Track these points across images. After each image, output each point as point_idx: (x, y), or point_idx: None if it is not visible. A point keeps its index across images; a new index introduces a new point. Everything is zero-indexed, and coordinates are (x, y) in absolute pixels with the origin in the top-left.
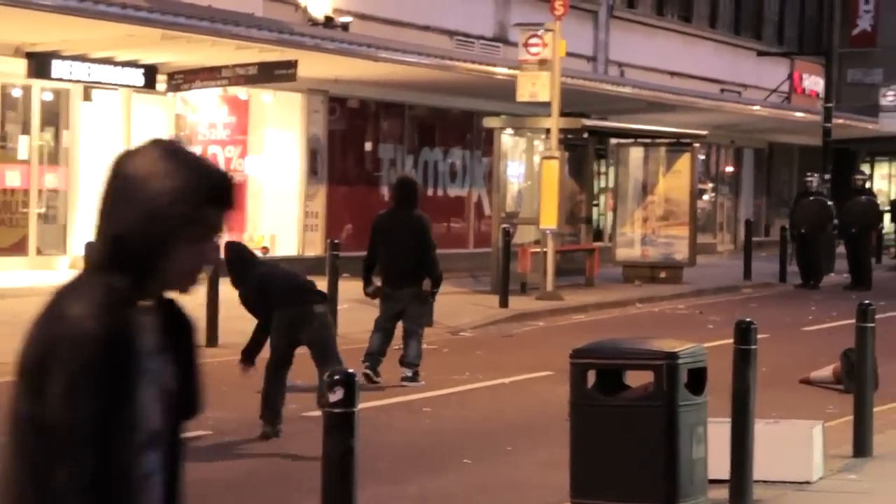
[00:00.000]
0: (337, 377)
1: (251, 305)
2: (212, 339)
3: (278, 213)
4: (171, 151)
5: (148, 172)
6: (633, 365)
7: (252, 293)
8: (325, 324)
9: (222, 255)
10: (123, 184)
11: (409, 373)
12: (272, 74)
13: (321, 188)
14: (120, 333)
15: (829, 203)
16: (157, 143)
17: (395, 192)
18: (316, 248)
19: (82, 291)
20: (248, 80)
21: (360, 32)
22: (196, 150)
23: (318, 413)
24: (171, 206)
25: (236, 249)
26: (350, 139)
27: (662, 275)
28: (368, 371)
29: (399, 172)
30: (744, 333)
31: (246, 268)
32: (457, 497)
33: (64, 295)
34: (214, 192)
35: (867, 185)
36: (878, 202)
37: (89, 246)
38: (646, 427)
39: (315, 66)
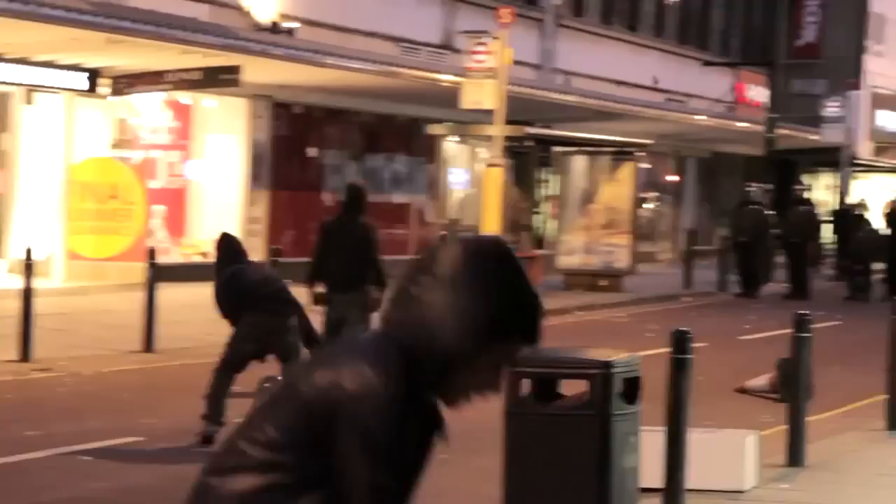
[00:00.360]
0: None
1: (218, 300)
2: (148, 345)
3: (220, 218)
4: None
5: (487, 288)
6: (568, 374)
7: (221, 288)
8: (296, 336)
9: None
10: (467, 282)
11: None
12: (216, 79)
13: (264, 194)
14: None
15: (769, 213)
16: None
17: (343, 199)
18: (258, 254)
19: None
20: (192, 85)
21: (306, 38)
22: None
23: None
24: (490, 333)
25: (227, 241)
26: (294, 145)
27: (603, 283)
28: None
29: (343, 179)
30: (680, 342)
31: (228, 262)
32: None
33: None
34: (529, 328)
35: (807, 195)
36: (818, 213)
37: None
38: (579, 436)
39: (260, 71)
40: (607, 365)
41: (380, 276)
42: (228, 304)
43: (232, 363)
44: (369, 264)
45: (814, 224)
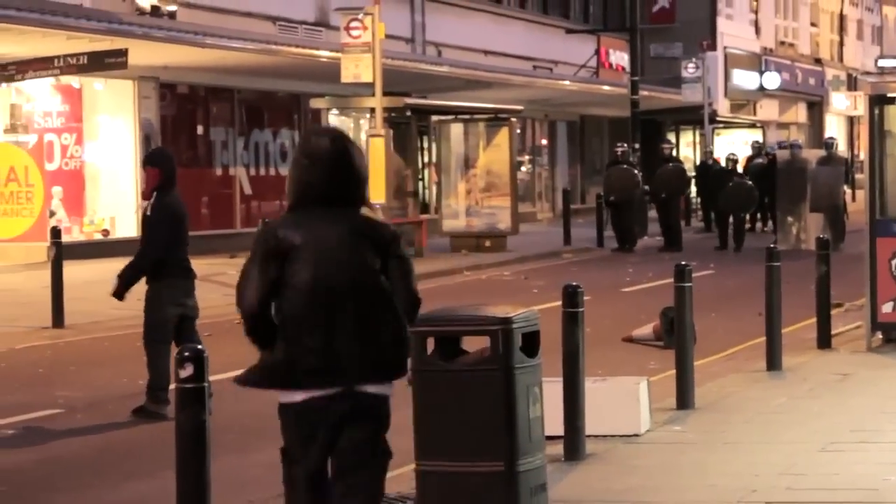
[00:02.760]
0: (186, 353)
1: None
2: (58, 320)
3: (116, 196)
4: None
5: None
6: (469, 331)
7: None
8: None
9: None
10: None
11: None
12: (103, 63)
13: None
14: None
15: (637, 171)
16: None
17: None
18: None
19: None
20: (80, 69)
21: (187, 20)
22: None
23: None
24: None
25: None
26: (182, 123)
27: (487, 243)
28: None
29: (231, 155)
30: (571, 297)
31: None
32: None
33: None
34: None
35: (674, 152)
36: (686, 169)
37: None
38: (485, 390)
39: (144, 53)
40: (507, 321)
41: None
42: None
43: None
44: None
45: (683, 179)
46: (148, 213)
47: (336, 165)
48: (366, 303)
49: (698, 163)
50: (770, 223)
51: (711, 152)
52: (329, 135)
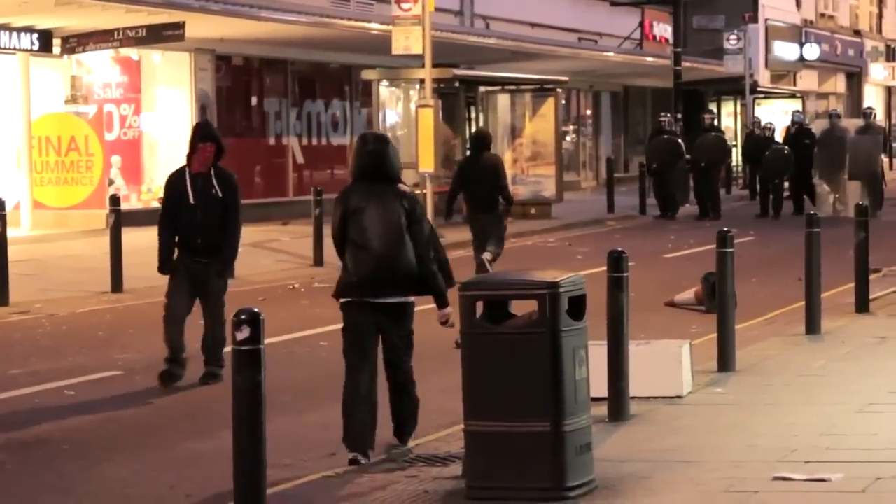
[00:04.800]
0: (243, 316)
1: None
2: (116, 285)
3: (173, 165)
4: None
5: None
6: (518, 295)
7: None
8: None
9: None
10: None
11: None
12: (161, 35)
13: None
14: None
15: (680, 140)
16: None
17: (471, 142)
18: None
19: None
20: (139, 42)
21: None
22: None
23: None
24: None
25: None
26: (237, 95)
27: (533, 211)
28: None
29: (284, 125)
30: (616, 262)
31: None
32: None
33: None
34: None
35: (715, 122)
36: (727, 138)
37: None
38: (532, 352)
39: (201, 26)
40: (554, 285)
41: (507, 196)
42: None
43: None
44: (498, 189)
45: (724, 149)
46: (217, 188)
47: (377, 157)
48: (394, 243)
49: (745, 132)
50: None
51: (759, 122)
52: (373, 136)
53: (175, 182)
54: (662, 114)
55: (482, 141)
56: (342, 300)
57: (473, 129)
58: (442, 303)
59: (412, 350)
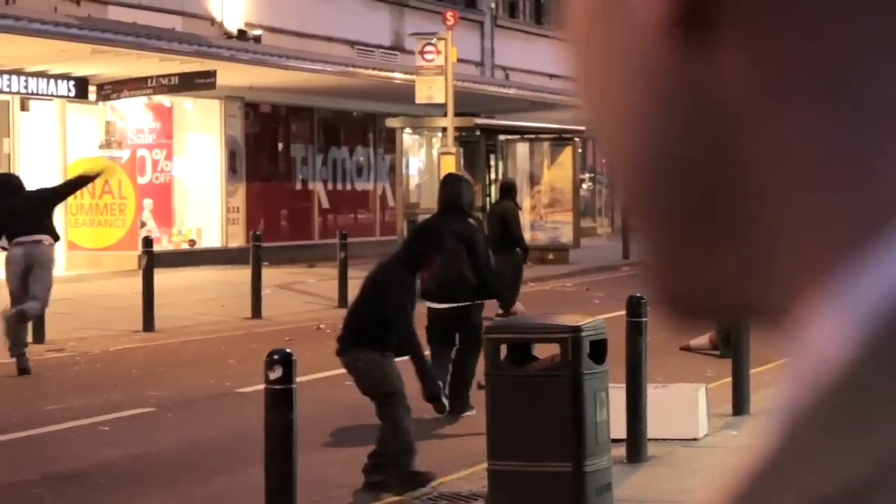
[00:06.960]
0: (276, 357)
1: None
2: (148, 324)
3: (203, 208)
4: None
5: None
6: (541, 338)
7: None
8: None
9: None
10: None
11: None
12: (193, 83)
13: (241, 185)
14: None
15: None
16: None
17: (500, 189)
18: (238, 240)
19: None
20: (172, 89)
21: (271, 44)
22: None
23: (250, 389)
24: None
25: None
26: (265, 141)
27: (550, 256)
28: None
29: (310, 170)
30: (635, 307)
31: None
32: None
33: None
34: None
35: None
36: None
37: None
38: (554, 394)
39: (231, 75)
40: (576, 329)
41: (521, 244)
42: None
43: None
44: (513, 236)
45: None
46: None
47: (450, 192)
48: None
49: None
50: None
51: None
52: (451, 176)
53: None
54: None
55: (509, 189)
56: None
57: (494, 175)
58: None
59: None
